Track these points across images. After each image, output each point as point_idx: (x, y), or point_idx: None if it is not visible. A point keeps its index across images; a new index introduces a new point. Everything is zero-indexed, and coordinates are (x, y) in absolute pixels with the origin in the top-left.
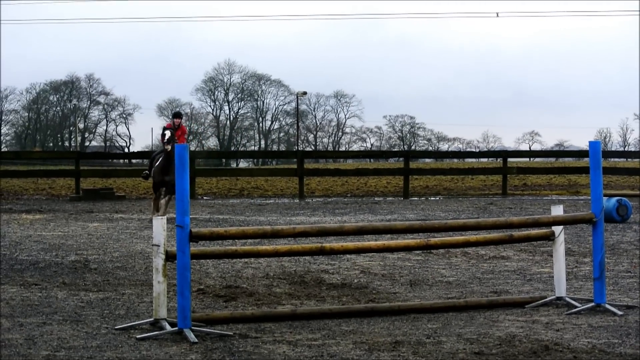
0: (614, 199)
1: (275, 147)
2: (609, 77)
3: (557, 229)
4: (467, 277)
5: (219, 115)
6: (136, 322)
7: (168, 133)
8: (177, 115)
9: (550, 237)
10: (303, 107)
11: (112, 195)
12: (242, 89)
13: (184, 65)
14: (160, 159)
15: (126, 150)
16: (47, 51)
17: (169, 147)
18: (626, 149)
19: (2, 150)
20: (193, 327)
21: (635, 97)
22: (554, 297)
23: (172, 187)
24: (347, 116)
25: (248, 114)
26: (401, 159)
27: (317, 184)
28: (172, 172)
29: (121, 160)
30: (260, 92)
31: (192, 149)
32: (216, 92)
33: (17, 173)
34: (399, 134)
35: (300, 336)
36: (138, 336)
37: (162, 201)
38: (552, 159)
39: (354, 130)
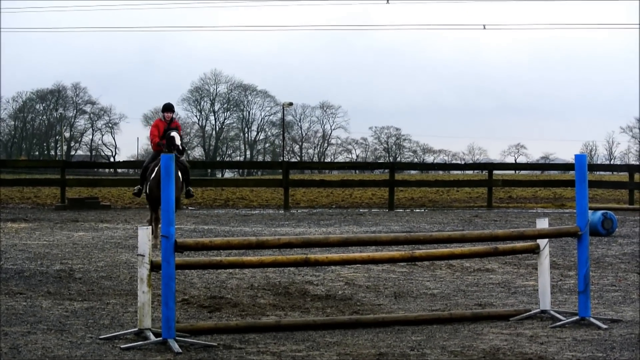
0: (600, 213)
1: (260, 158)
2: (595, 90)
3: (542, 242)
4: (451, 289)
5: (205, 125)
6: (120, 332)
7: (177, 135)
8: (168, 108)
9: (535, 250)
10: (289, 117)
11: (97, 205)
12: (228, 99)
13: (171, 75)
14: (155, 170)
15: (112, 159)
16: (33, 60)
17: (178, 152)
18: (612, 162)
19: None
20: (177, 338)
21: (621, 110)
22: (538, 310)
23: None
24: (332, 127)
25: (234, 125)
26: (386, 170)
27: (303, 195)
28: (176, 185)
29: (107, 170)
30: (246, 102)
31: None
32: (202, 102)
33: (2, 182)
34: (385, 145)
35: (284, 347)
36: (122, 346)
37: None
38: (538, 172)
39: (339, 142)
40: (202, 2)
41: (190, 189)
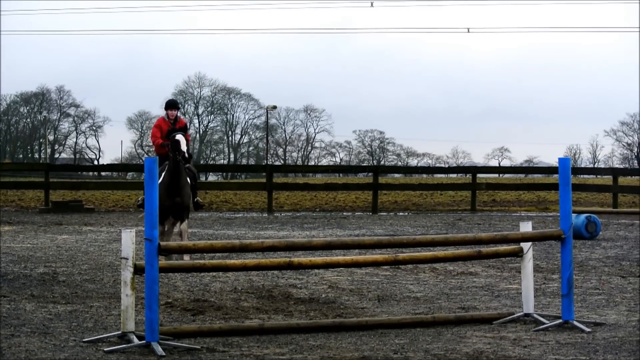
0: (583, 216)
1: (244, 161)
2: (579, 93)
3: (525, 246)
4: (435, 292)
5: (189, 128)
6: (104, 335)
7: (182, 139)
8: (172, 105)
9: (519, 254)
10: (273, 121)
11: (81, 208)
12: (212, 102)
13: (155, 78)
14: (163, 174)
15: (96, 162)
16: (17, 63)
17: (182, 157)
18: (596, 165)
19: None
20: (161, 341)
21: (606, 114)
22: (521, 313)
23: (185, 211)
24: (316, 130)
25: (217, 128)
26: (370, 174)
27: (286, 198)
28: (184, 191)
29: (90, 173)
30: (230, 105)
31: None
32: (186, 106)
33: None
34: (369, 148)
35: (267, 350)
36: (106, 349)
37: (180, 228)
38: (522, 175)
39: (323, 145)
40: (187, 5)
41: (199, 198)
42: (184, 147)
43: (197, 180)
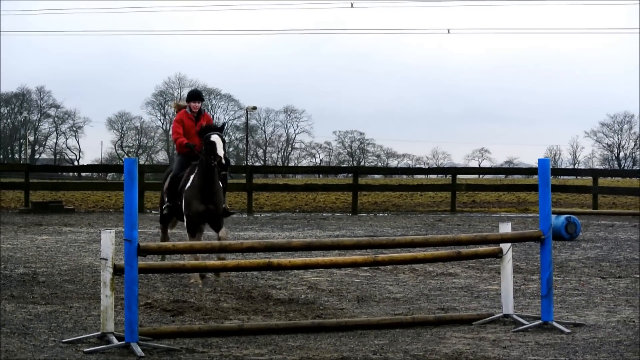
0: (563, 217)
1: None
2: (560, 94)
3: (505, 247)
4: (414, 293)
5: (169, 129)
6: (84, 336)
7: (219, 140)
8: (196, 95)
9: (498, 255)
10: (253, 122)
11: (61, 208)
12: None
13: (135, 79)
14: (192, 178)
15: (76, 163)
16: None
17: (219, 161)
18: (576, 166)
19: None
20: (140, 341)
21: (586, 115)
22: (501, 314)
23: (221, 218)
24: (296, 131)
25: None
26: (350, 174)
27: (266, 199)
28: (218, 197)
29: (71, 174)
30: (210, 106)
31: (142, 162)
32: (166, 106)
33: None
34: (349, 149)
35: (247, 351)
36: (85, 349)
37: (219, 236)
38: (502, 176)
39: (303, 146)
40: (167, 6)
41: (226, 205)
42: (220, 151)
43: (227, 182)
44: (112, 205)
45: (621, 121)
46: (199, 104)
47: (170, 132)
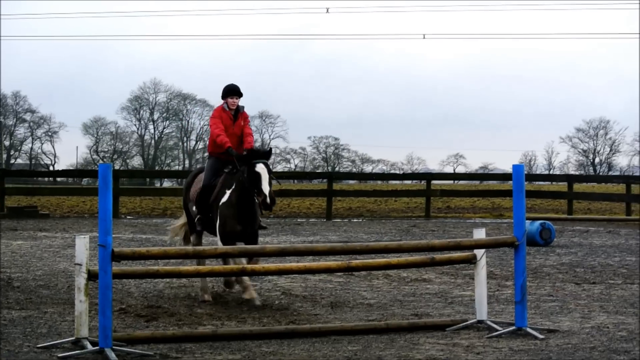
0: (538, 223)
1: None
2: (535, 100)
3: (479, 252)
4: (388, 299)
5: (144, 134)
6: (58, 341)
7: (264, 172)
8: (234, 91)
9: (472, 260)
10: None
11: (36, 214)
12: (168, 108)
13: (110, 83)
14: (229, 194)
15: (51, 168)
16: None
17: (263, 172)
18: (551, 172)
19: None
20: (114, 347)
21: (561, 120)
22: (475, 320)
23: (257, 239)
24: (271, 137)
25: (173, 134)
26: (325, 180)
27: None
28: (256, 216)
29: (46, 179)
30: (185, 111)
31: (117, 167)
32: (141, 111)
33: None
34: (323, 155)
35: (220, 357)
36: (59, 355)
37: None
38: (477, 182)
39: (278, 151)
40: (142, 11)
41: (261, 221)
42: (266, 187)
43: None
44: (87, 210)
45: (597, 127)
46: (237, 100)
47: (209, 128)
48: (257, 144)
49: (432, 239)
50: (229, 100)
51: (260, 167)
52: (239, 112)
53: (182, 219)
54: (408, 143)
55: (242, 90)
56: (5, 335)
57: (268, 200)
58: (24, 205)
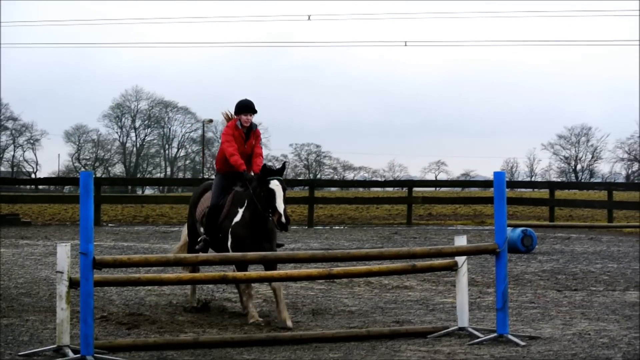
0: (519, 230)
1: (181, 175)
2: (516, 107)
3: (460, 260)
4: (369, 306)
5: (126, 142)
6: (39, 349)
7: (279, 190)
8: (249, 107)
9: (454, 268)
10: (209, 134)
11: (17, 221)
12: (149, 115)
13: (92, 91)
14: (242, 212)
15: (33, 176)
16: None
17: (277, 189)
18: (533, 179)
19: None
20: (96, 355)
21: (543, 127)
22: (456, 327)
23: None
24: None
25: (154, 141)
26: (306, 187)
27: None
28: (273, 235)
29: (28, 186)
30: (167, 119)
31: (98, 175)
32: (123, 119)
33: None
34: (305, 162)
35: None
36: None
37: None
38: (458, 189)
39: None
40: (124, 19)
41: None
42: (281, 206)
43: None
44: (68, 218)
45: (578, 133)
46: (251, 117)
47: (221, 145)
48: None
49: (414, 246)
50: (243, 117)
51: (274, 184)
52: (251, 130)
53: (183, 240)
54: (390, 150)
55: (256, 107)
56: None
57: (283, 219)
58: (5, 213)
